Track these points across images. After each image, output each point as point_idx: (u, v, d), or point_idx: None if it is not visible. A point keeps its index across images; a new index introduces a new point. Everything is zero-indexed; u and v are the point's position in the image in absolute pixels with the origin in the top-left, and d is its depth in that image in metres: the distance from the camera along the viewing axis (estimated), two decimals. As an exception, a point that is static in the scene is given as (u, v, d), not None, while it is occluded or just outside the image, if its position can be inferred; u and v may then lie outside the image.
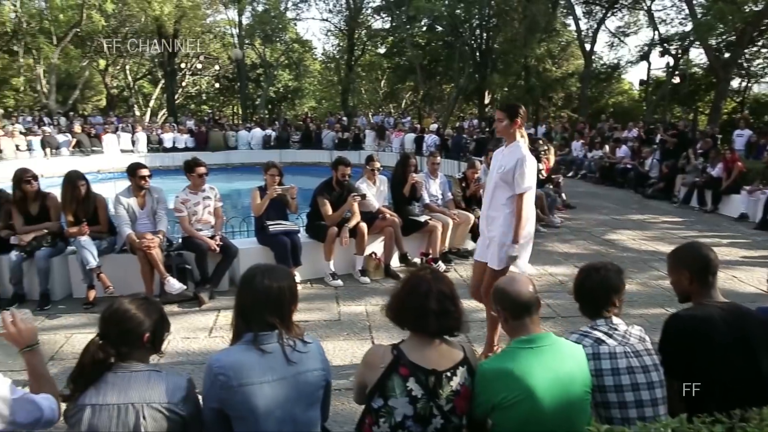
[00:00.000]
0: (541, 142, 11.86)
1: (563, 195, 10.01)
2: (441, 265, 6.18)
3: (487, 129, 19.06)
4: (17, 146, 16.87)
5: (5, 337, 2.08)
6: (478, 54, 26.45)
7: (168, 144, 19.01)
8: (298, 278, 5.62)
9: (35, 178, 5.40)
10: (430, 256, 6.29)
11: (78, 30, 24.98)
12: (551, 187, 9.14)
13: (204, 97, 38.57)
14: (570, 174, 14.45)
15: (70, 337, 4.56)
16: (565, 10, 25.37)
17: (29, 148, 17.24)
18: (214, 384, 1.89)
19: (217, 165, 16.94)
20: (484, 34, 26.65)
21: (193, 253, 5.38)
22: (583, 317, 2.42)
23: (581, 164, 15.05)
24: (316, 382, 2.01)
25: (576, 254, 7.07)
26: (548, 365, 2.03)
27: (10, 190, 5.58)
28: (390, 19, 30.22)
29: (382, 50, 33.11)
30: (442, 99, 32.56)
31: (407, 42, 27.07)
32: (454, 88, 27.93)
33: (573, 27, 24.92)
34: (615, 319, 2.28)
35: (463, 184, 7.05)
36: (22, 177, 5.30)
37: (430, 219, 6.40)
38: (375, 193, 6.24)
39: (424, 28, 28.56)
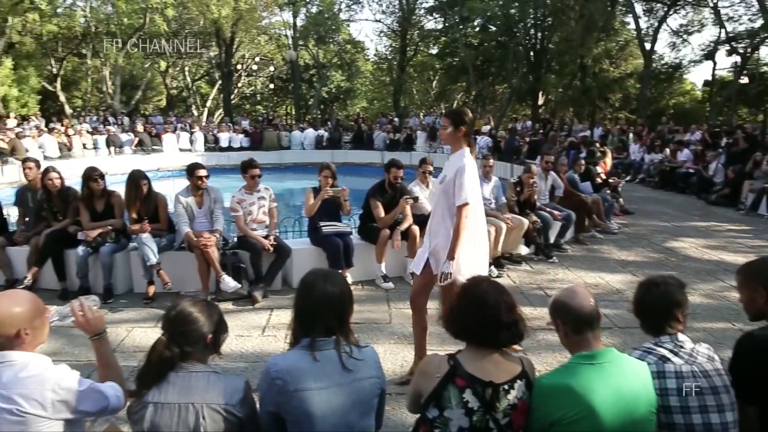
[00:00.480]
0: (597, 145, 11.57)
1: (621, 200, 9.70)
2: (493, 270, 6.09)
3: (541, 131, 18.71)
4: (84, 145, 17.69)
5: (75, 324, 2.18)
6: (532, 54, 25.99)
7: (224, 143, 19.50)
8: (349, 279, 5.68)
9: (102, 176, 5.63)
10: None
11: (141, 33, 25.99)
12: (608, 191, 8.87)
13: (258, 98, 39.42)
14: (627, 178, 13.97)
15: (131, 331, 4.72)
16: (624, 8, 24.57)
17: (95, 147, 18.05)
18: (271, 388, 1.92)
19: (271, 164, 17.27)
20: (539, 34, 26.16)
21: (247, 252, 5.49)
22: (644, 330, 2.33)
23: (639, 168, 14.55)
24: (371, 390, 2.00)
25: (634, 262, 6.83)
26: (611, 382, 1.95)
27: (77, 187, 5.85)
28: (443, 19, 30.12)
29: (434, 51, 33.01)
30: (494, 100, 32.18)
31: (460, 42, 26.85)
32: (507, 88, 27.57)
33: (632, 25, 24.14)
34: (681, 336, 2.17)
35: (518, 189, 6.92)
36: (91, 175, 5.54)
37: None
38: (428, 195, 6.20)
39: (477, 29, 28.29)
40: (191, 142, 19.26)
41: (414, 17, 30.72)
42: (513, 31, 25.30)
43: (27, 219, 6.10)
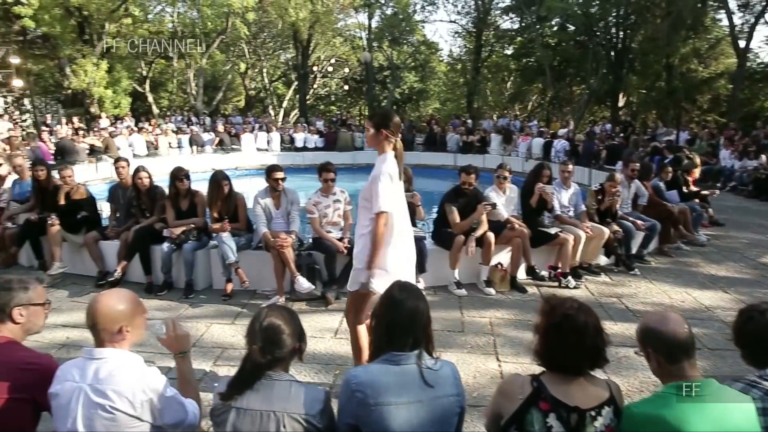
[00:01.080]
0: (686, 151, 10.92)
1: (710, 210, 9.10)
2: (570, 281, 5.88)
3: (621, 135, 17.89)
4: (169, 144, 18.62)
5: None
6: (612, 54, 24.97)
7: (299, 143, 19.96)
8: (422, 285, 5.64)
9: (187, 176, 5.88)
10: (559, 270, 6.00)
11: (224, 37, 27.05)
12: (697, 201, 8.34)
13: (333, 98, 40.08)
14: (718, 187, 13.12)
15: (210, 327, 4.89)
16: (715, 4, 23.11)
17: (179, 146, 18.95)
18: (351, 400, 1.91)
19: (344, 165, 17.47)
20: (621, 33, 25.09)
21: (322, 254, 5.57)
22: (740, 355, 2.15)
23: (730, 175, 13.62)
24: (451, 408, 1.96)
25: (725, 277, 6.38)
26: (710, 417, 1.81)
27: (164, 185, 6.15)
28: (519, 19, 29.50)
29: (509, 51, 32.41)
30: (571, 101, 31.17)
31: (537, 42, 26.22)
32: (585, 89, 26.63)
33: (725, 22, 22.68)
34: (789, 369, 1.99)
35: (599, 197, 6.64)
36: (177, 175, 5.80)
37: (560, 231, 6.11)
38: (504, 201, 6.07)
39: (555, 28, 27.52)
40: (268, 142, 19.83)
41: (489, 17, 30.28)
42: (593, 30, 24.40)
43: (118, 215, 6.48)
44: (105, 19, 21.44)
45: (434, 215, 6.21)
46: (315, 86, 36.48)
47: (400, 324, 1.99)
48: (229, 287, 5.63)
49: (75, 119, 20.92)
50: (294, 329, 2.04)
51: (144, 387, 1.98)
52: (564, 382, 1.92)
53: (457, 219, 5.69)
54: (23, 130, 20.00)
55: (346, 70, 36.04)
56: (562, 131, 18.10)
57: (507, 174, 6.15)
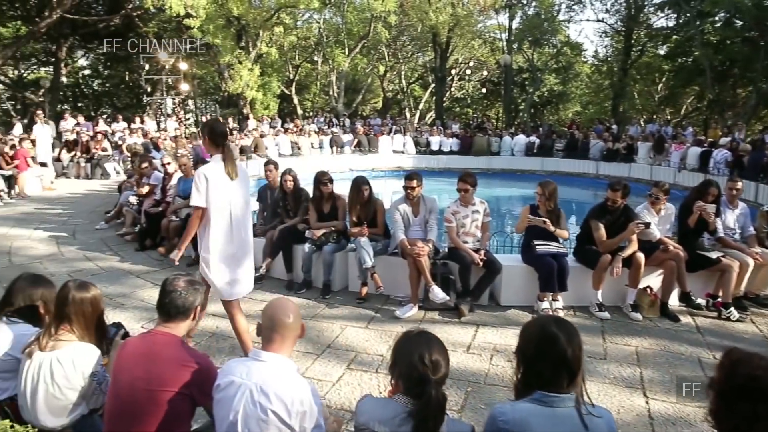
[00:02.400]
0: None
1: None
2: (733, 313, 5.23)
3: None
4: (311, 144, 19.55)
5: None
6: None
7: (435, 147, 20.00)
8: (560, 304, 5.35)
9: (331, 180, 6.09)
10: (719, 300, 5.36)
11: (366, 41, 27.94)
12: None
13: (469, 101, 39.77)
14: None
15: (345, 329, 5.01)
16: None
17: (320, 146, 19.84)
18: (496, 437, 1.81)
19: (479, 169, 17.25)
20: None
21: (457, 264, 5.48)
22: None
23: None
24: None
25: None
26: None
27: (308, 186, 6.43)
28: (675, 15, 27.13)
29: (662, 51, 29.96)
30: (734, 106, 28.04)
31: (696, 40, 23.91)
32: (752, 92, 23.80)
33: None
34: None
35: (774, 218, 5.85)
36: (321, 179, 6.03)
37: (723, 256, 5.45)
38: (657, 221, 5.55)
39: (719, 24, 24.90)
40: (404, 144, 20.11)
41: (642, 15, 28.19)
42: (766, 25, 21.69)
43: (265, 214, 6.88)
44: (260, 27, 23.08)
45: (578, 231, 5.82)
46: (452, 89, 36.42)
47: (554, 362, 1.84)
48: (364, 291, 5.74)
49: (230, 119, 22.79)
50: (447, 357, 2.02)
51: (303, 399, 2.05)
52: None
53: (604, 237, 5.30)
54: (186, 128, 22.15)
55: (484, 72, 35.52)
56: (723, 140, 16.17)
57: (662, 195, 5.59)
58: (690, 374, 4.15)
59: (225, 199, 3.84)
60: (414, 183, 5.58)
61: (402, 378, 1.98)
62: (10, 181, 12.04)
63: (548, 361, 1.85)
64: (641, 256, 5.24)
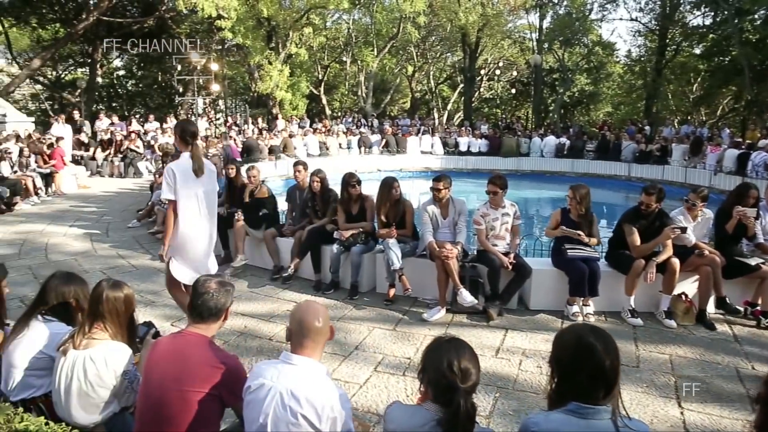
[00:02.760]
0: None
1: None
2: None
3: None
4: (340, 144, 19.60)
5: None
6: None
7: (463, 147, 19.85)
8: (591, 309, 5.24)
9: (359, 182, 6.09)
10: (758, 308, 5.18)
11: (394, 41, 27.93)
12: None
13: (498, 102, 39.45)
14: None
15: (372, 331, 4.99)
16: None
17: (348, 146, 19.87)
18: (529, 446, 1.77)
19: (507, 171, 17.05)
20: None
21: (486, 267, 5.41)
22: None
23: None
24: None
25: None
26: None
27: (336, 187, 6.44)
28: (713, 14, 26.41)
29: (698, 50, 29.19)
30: (774, 106, 27.19)
31: (734, 39, 23.23)
32: (793, 93, 23.07)
33: None
34: None
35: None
36: (349, 181, 6.03)
37: (763, 262, 5.26)
38: (694, 227, 5.39)
39: (759, 22, 24.16)
40: (431, 145, 20.02)
41: (677, 13, 27.51)
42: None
43: (294, 214, 6.92)
44: (289, 28, 23.25)
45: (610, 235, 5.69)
46: (481, 89, 36.18)
47: (591, 373, 1.79)
48: (392, 292, 5.71)
49: (259, 119, 23.02)
50: (477, 364, 1.99)
51: (333, 404, 2.04)
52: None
53: (638, 241, 5.17)
54: (216, 128, 22.45)
55: (514, 72, 35.17)
56: (762, 142, 15.64)
57: (700, 202, 5.42)
58: (727, 385, 4.02)
59: (192, 192, 4.21)
60: (441, 185, 5.53)
61: (431, 385, 1.95)
62: (48, 179, 12.38)
63: (585, 373, 1.80)
64: (676, 262, 5.09)
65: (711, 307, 5.37)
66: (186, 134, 4.25)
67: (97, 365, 2.53)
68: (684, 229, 5.08)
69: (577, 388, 1.81)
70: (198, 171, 4.20)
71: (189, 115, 24.23)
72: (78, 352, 2.54)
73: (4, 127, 15.16)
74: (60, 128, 15.78)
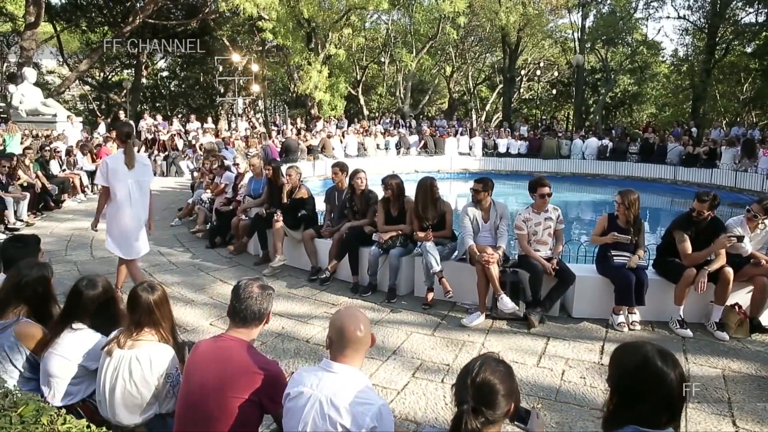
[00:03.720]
0: None
1: None
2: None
3: None
4: (377, 145, 19.58)
5: None
6: None
7: (502, 149, 19.58)
8: (637, 318, 5.05)
9: (400, 184, 6.02)
10: (818, 322, 4.91)
11: (433, 41, 27.79)
12: None
13: (537, 102, 38.88)
14: None
15: (410, 335, 4.91)
16: None
17: (386, 147, 19.83)
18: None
19: (548, 173, 16.74)
20: None
21: (527, 273, 5.27)
22: None
23: None
24: None
25: None
26: None
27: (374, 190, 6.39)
28: (765, 11, 25.39)
29: (749, 49, 28.09)
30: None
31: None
32: None
33: None
34: None
35: None
36: (390, 183, 5.96)
37: (825, 274, 4.98)
38: (752, 236, 5.13)
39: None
40: (470, 147, 19.81)
41: (728, 11, 26.51)
42: None
43: (332, 215, 6.90)
44: (329, 29, 23.39)
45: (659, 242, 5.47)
46: (520, 89, 35.67)
47: (659, 401, 1.67)
48: (430, 296, 5.62)
49: (298, 120, 23.22)
50: (510, 387, 1.84)
51: (375, 414, 1.98)
52: None
53: (689, 249, 4.94)
54: (254, 128, 22.75)
55: (555, 72, 34.55)
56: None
57: (762, 215, 5.10)
58: (786, 403, 3.80)
59: (124, 182, 5.10)
60: (480, 186, 5.44)
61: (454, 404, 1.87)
62: (94, 177, 12.75)
63: (652, 401, 1.68)
64: (730, 271, 4.85)
65: (766, 320, 5.11)
66: (121, 134, 5.34)
67: (143, 365, 2.55)
68: (741, 238, 4.84)
69: (640, 415, 1.69)
70: (129, 164, 5.08)
71: (229, 115, 24.59)
72: (124, 351, 2.57)
73: (54, 127, 15.69)
74: (69, 128, 16.12)
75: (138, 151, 16.38)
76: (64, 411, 1.93)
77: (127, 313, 2.71)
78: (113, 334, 2.68)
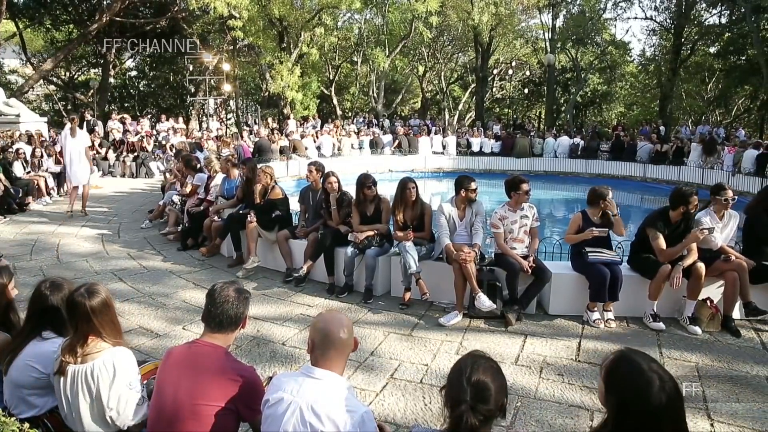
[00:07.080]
0: None
1: None
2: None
3: None
4: (352, 145, 19.49)
5: None
6: None
7: (475, 148, 19.70)
8: (612, 315, 5.09)
9: (375, 183, 5.95)
10: (788, 314, 5.01)
11: (406, 41, 27.80)
12: None
13: (509, 102, 39.21)
14: None
15: (388, 336, 4.86)
16: None
17: (360, 147, 19.76)
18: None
19: (520, 171, 16.85)
20: None
21: (504, 271, 5.27)
22: None
23: None
24: None
25: None
26: None
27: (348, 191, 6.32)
28: (729, 12, 26.04)
29: (713, 49, 28.81)
30: (791, 106, 26.78)
31: (754, 38, 22.85)
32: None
33: None
34: None
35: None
36: (365, 183, 5.89)
37: (793, 267, 5.10)
38: (721, 227, 5.22)
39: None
40: (443, 146, 19.87)
41: (693, 12, 27.12)
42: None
43: (307, 216, 6.81)
44: (301, 28, 23.19)
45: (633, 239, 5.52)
46: (492, 89, 35.94)
47: (651, 413, 1.64)
48: (408, 296, 5.58)
49: (269, 119, 22.97)
50: (501, 383, 1.83)
51: (356, 422, 1.92)
52: None
53: (663, 245, 5.00)
54: (227, 128, 22.45)
55: (526, 72, 34.91)
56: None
57: (731, 198, 5.23)
58: (758, 396, 3.85)
59: (69, 145, 9.62)
60: (474, 185, 5.43)
61: (447, 402, 1.83)
62: (60, 179, 12.37)
63: (643, 410, 1.64)
64: (702, 267, 4.92)
65: (738, 313, 5.20)
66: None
67: (102, 377, 2.36)
68: (711, 230, 4.93)
69: (631, 427, 1.66)
70: (72, 133, 9.72)
71: (200, 116, 24.22)
72: (78, 366, 2.36)
73: (17, 128, 15.22)
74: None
75: (106, 153, 16.17)
76: (27, 425, 1.82)
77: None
78: (57, 351, 2.45)
